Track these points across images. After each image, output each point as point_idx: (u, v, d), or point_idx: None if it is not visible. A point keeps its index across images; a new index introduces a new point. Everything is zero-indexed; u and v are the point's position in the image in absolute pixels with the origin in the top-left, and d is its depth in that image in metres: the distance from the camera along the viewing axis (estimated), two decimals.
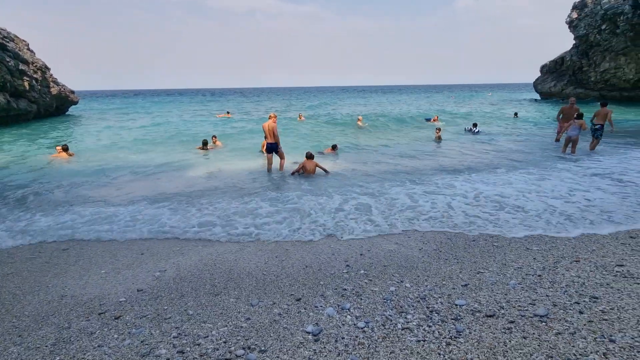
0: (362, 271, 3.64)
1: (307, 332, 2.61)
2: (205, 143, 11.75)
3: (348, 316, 2.84)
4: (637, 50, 23.73)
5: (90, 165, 9.65)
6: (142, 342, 2.58)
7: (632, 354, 2.05)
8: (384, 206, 5.82)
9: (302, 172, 7.93)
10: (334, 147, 11.02)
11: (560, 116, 11.23)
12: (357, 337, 2.54)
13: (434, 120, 18.94)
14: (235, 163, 9.62)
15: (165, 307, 3.06)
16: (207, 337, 2.62)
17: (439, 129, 13.73)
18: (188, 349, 2.47)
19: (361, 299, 3.08)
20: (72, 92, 25.43)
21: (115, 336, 2.67)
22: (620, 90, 26.07)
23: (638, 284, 3.04)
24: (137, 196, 6.73)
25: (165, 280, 3.59)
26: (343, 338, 2.53)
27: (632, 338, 2.21)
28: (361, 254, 4.10)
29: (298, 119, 20.08)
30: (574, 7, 28.66)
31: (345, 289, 3.26)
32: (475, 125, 15.42)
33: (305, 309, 2.96)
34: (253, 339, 2.57)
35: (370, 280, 3.44)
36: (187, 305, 3.10)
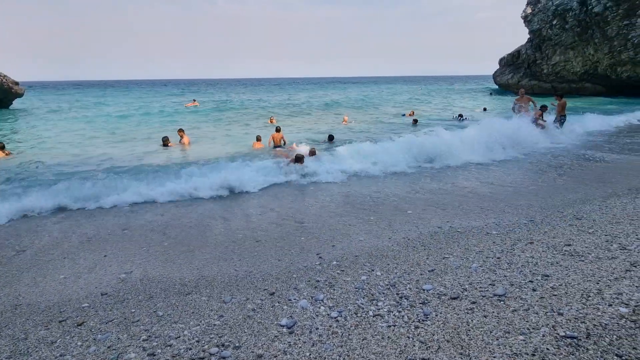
0: (334, 262, 3.72)
1: (281, 326, 2.64)
2: (166, 141, 10.55)
3: (321, 307, 2.90)
4: (584, 44, 25.57)
5: (28, 166, 8.83)
6: (108, 347, 2.48)
7: (577, 324, 2.27)
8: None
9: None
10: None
11: (516, 106, 12.00)
12: (330, 326, 2.61)
13: (409, 114, 19.37)
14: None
15: (133, 310, 2.96)
16: (179, 337, 2.57)
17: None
18: (159, 350, 2.42)
19: (334, 290, 3.15)
20: (16, 83, 23.33)
21: (79, 344, 2.54)
22: (569, 82, 28.07)
23: (583, 261, 3.35)
24: None
25: (131, 282, 3.46)
26: (317, 329, 2.58)
27: (577, 310, 2.45)
28: (333, 245, 4.18)
29: (269, 121, 18.20)
30: (529, 3, 30.27)
31: (318, 281, 3.32)
32: (460, 115, 16.36)
33: (279, 302, 2.98)
34: (227, 335, 2.56)
35: (343, 270, 3.52)
36: (156, 306, 3.01)
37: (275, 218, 5.23)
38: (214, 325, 2.71)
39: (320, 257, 3.83)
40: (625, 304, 2.42)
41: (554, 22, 26.81)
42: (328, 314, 2.77)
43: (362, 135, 12.97)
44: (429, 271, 3.40)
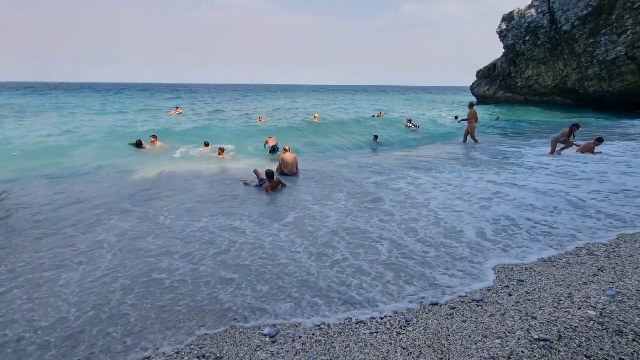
0: (322, 271, 3.72)
1: (264, 335, 2.62)
2: (139, 143, 10.44)
3: (304, 315, 2.89)
4: (554, 60, 26.96)
5: None
6: None
7: (549, 327, 2.37)
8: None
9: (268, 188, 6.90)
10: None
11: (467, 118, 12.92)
12: (313, 334, 2.61)
13: (377, 115, 20.21)
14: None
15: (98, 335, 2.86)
16: (158, 348, 2.51)
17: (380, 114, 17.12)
18: None
19: (316, 298, 3.15)
20: None
21: None
22: (541, 95, 29.46)
23: (554, 266, 3.51)
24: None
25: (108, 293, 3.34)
26: (300, 337, 2.58)
27: (549, 314, 2.56)
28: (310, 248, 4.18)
29: (258, 120, 19.02)
30: (503, 19, 31.70)
31: (299, 290, 3.31)
32: (409, 120, 16.88)
33: (261, 310, 2.96)
34: (208, 346, 2.52)
35: (327, 278, 3.53)
36: (129, 323, 2.92)
37: None
38: (195, 335, 2.65)
39: (302, 263, 3.83)
40: (593, 307, 2.55)
41: (527, 38, 28.18)
42: (312, 322, 2.77)
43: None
44: (413, 277, 3.46)
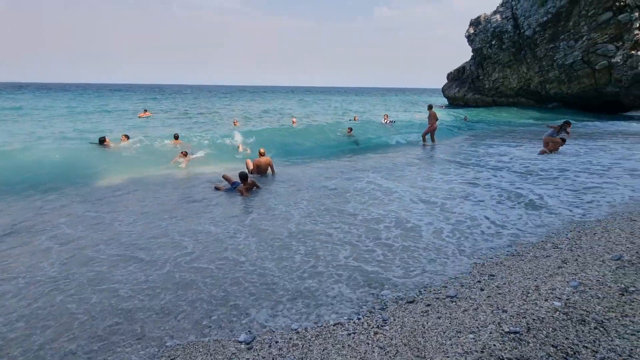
0: (294, 272, 3.67)
1: (239, 342, 2.54)
2: (102, 141, 9.93)
3: (281, 319, 2.84)
4: (518, 63, 28.36)
5: None
6: None
7: (519, 320, 2.46)
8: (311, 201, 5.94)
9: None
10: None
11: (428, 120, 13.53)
12: (291, 339, 2.56)
13: (354, 119, 20.46)
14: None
15: (79, 344, 2.68)
16: None
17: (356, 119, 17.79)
18: None
19: (292, 300, 3.10)
20: None
21: None
22: (507, 96, 30.90)
23: (523, 260, 3.65)
24: None
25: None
26: (277, 342, 2.52)
27: (519, 306, 2.65)
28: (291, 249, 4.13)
29: (234, 124, 18.57)
30: (471, 24, 33.00)
31: (276, 293, 3.25)
32: (385, 116, 17.66)
33: (237, 317, 2.87)
34: (180, 358, 2.41)
35: (302, 280, 3.49)
36: (92, 337, 2.75)
37: None
38: (166, 346, 2.53)
39: (277, 267, 3.78)
40: (559, 298, 2.67)
41: (493, 42, 29.49)
42: (288, 326, 2.73)
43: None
44: (390, 277, 3.49)
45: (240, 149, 14.77)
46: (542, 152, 10.31)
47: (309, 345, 2.46)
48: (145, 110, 23.87)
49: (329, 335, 2.57)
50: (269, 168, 8.27)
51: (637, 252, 3.38)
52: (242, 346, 2.49)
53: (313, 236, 4.53)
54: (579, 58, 22.77)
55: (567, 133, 10.60)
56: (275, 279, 3.50)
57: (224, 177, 7.18)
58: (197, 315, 2.92)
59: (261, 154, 8.32)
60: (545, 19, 24.07)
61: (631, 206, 5.20)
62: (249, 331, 2.67)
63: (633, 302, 2.51)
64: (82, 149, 9.98)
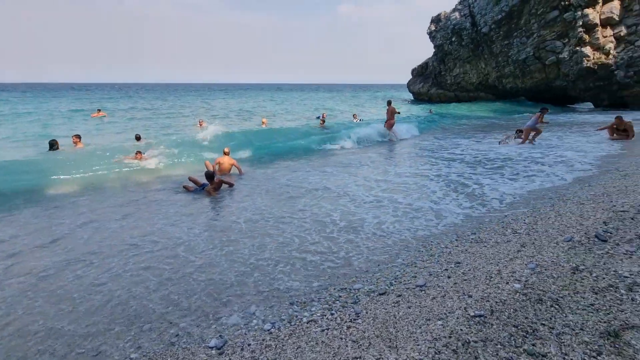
0: (266, 271, 3.62)
1: (210, 348, 2.46)
2: (52, 144, 9.35)
3: (254, 320, 2.79)
4: (477, 59, 29.74)
5: None
6: None
7: (483, 303, 2.58)
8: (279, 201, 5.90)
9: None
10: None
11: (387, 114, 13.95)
12: (264, 340, 2.52)
13: (323, 116, 20.56)
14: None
15: None
16: None
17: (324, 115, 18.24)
18: None
19: (266, 301, 3.06)
20: None
21: None
22: (468, 91, 32.34)
23: (486, 246, 3.83)
24: None
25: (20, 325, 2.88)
26: (249, 345, 2.47)
27: (483, 291, 2.78)
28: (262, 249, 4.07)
29: (199, 125, 17.80)
30: (432, 21, 34.11)
31: (247, 293, 3.19)
32: (354, 115, 18.32)
33: (206, 322, 2.78)
34: None
35: (272, 279, 3.44)
36: (49, 353, 2.55)
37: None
38: (130, 359, 2.40)
39: (249, 265, 3.70)
40: (518, 281, 2.83)
41: (453, 39, 30.69)
42: (261, 327, 2.68)
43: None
44: (362, 271, 3.53)
45: (202, 125, 14.41)
46: (522, 142, 10.81)
47: (283, 345, 2.42)
48: (99, 110, 22.42)
49: (303, 333, 2.55)
50: (233, 168, 8.09)
51: (585, 233, 3.65)
52: (213, 352, 2.41)
53: (278, 234, 4.50)
54: (530, 54, 24.25)
55: (541, 121, 11.05)
56: (245, 279, 3.43)
57: (190, 179, 6.93)
58: (162, 323, 2.79)
59: (225, 154, 8.15)
60: (499, 16, 25.37)
61: (552, 190, 5.62)
62: (220, 336, 2.59)
63: (583, 279, 2.71)
64: (30, 153, 9.25)
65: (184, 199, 6.26)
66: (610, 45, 20.88)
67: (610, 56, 20.89)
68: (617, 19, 20.68)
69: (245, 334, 2.60)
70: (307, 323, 2.69)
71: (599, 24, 20.93)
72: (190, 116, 22.98)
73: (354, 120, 17.51)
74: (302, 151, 11.49)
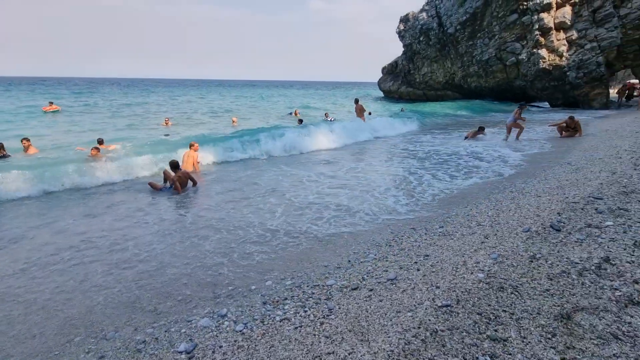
0: (238, 270, 3.56)
1: (179, 352, 2.38)
2: None
3: (225, 322, 2.73)
4: (444, 59, 30.81)
5: None
6: None
7: (450, 294, 2.69)
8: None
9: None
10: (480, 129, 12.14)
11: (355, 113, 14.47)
12: (235, 341, 2.48)
13: (295, 114, 20.51)
14: None
15: None
16: None
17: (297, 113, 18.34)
18: None
19: (238, 301, 3.01)
20: None
21: None
22: (436, 90, 33.45)
23: (452, 239, 3.99)
24: None
25: None
26: (221, 347, 2.42)
27: (450, 281, 2.89)
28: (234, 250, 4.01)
29: (165, 123, 16.89)
30: (401, 20, 34.88)
31: (219, 294, 3.12)
32: (326, 114, 18.55)
33: (175, 326, 2.69)
34: None
35: (245, 279, 3.40)
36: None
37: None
38: None
39: (222, 265, 3.63)
40: (482, 270, 2.97)
41: (421, 39, 31.58)
42: (233, 329, 2.63)
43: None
44: (335, 267, 3.56)
45: (168, 124, 13.75)
46: (506, 138, 11.39)
47: (255, 345, 2.40)
48: (51, 103, 20.84)
49: (276, 332, 2.54)
50: (194, 167, 7.79)
51: (541, 224, 3.89)
52: (183, 356, 2.34)
53: (245, 234, 4.44)
54: (493, 55, 25.45)
55: (520, 118, 11.58)
56: (215, 280, 3.36)
57: (164, 172, 6.65)
58: (127, 330, 2.67)
59: (191, 146, 7.92)
60: (464, 18, 26.39)
61: (484, 183, 5.99)
62: (189, 339, 2.52)
63: (540, 266, 2.90)
64: None
65: (146, 198, 6.01)
66: (563, 48, 22.35)
67: (563, 58, 22.37)
68: (569, 23, 22.16)
69: (217, 336, 2.55)
70: (280, 322, 2.68)
71: (553, 27, 22.33)
72: (156, 113, 22.07)
73: (326, 119, 17.54)
74: (273, 152, 11.41)
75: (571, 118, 11.53)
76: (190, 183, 6.58)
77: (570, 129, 11.48)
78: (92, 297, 3.15)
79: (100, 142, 9.57)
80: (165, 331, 2.63)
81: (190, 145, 7.92)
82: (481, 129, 12.23)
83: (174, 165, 6.32)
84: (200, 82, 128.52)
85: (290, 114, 20.99)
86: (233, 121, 17.10)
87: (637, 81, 23.43)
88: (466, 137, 12.13)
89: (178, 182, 6.21)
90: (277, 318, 2.73)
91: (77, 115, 19.83)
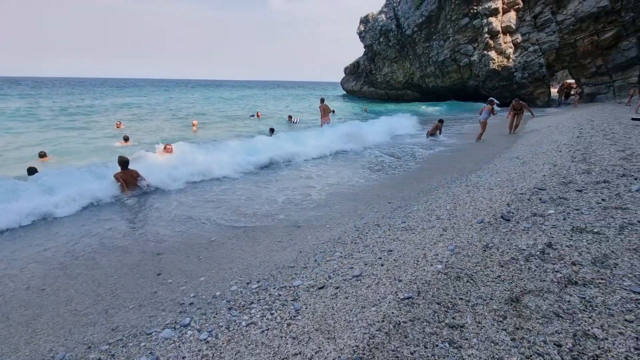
0: (201, 278, 3.45)
1: None
2: None
3: (189, 331, 2.64)
4: (403, 59, 31.93)
5: None
6: None
7: (411, 286, 2.79)
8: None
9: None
10: None
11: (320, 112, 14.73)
12: (199, 350, 2.40)
13: (257, 115, 20.21)
14: None
15: None
16: None
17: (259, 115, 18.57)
18: None
19: (202, 309, 2.92)
20: None
21: None
22: (396, 89, 34.58)
23: (414, 233, 4.15)
24: None
25: None
26: (184, 357, 2.33)
27: (411, 274, 3.01)
28: (199, 257, 3.88)
29: (116, 126, 15.61)
30: (361, 21, 35.64)
31: (182, 303, 3.01)
32: (290, 117, 18.48)
33: (133, 340, 2.56)
34: None
35: (208, 284, 3.30)
36: None
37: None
38: None
39: (159, 275, 3.50)
40: (440, 262, 3.12)
41: (381, 40, 32.50)
42: (197, 338, 2.55)
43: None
44: (302, 268, 3.56)
45: (119, 126, 12.99)
46: (479, 136, 11.89)
47: (221, 353, 2.34)
48: None
49: (242, 337, 2.50)
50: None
51: (493, 215, 4.16)
52: None
53: (209, 239, 4.33)
54: (448, 56, 26.77)
55: (493, 113, 12.17)
56: (176, 290, 3.23)
57: (115, 176, 6.24)
58: (79, 348, 2.49)
59: (166, 148, 7.52)
60: (420, 20, 27.51)
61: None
62: (150, 353, 2.40)
63: (492, 255, 3.10)
64: None
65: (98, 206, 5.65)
66: (510, 50, 24.04)
67: (510, 60, 24.07)
68: (514, 27, 23.88)
69: (179, 346, 2.45)
70: (247, 326, 2.63)
71: (500, 31, 23.94)
72: (105, 115, 20.75)
73: (290, 122, 17.39)
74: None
75: (517, 100, 12.64)
76: (144, 182, 6.21)
77: (517, 110, 12.53)
78: (37, 315, 2.90)
79: (43, 155, 8.78)
80: (123, 346, 2.49)
81: (164, 147, 7.49)
82: (440, 122, 12.86)
83: (123, 163, 5.90)
84: (156, 82, 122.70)
85: (253, 116, 20.53)
86: (193, 125, 16.18)
87: (573, 81, 25.77)
88: (428, 134, 12.72)
89: (123, 180, 5.85)
90: (243, 323, 2.68)
91: (17, 123, 18.13)
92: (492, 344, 2.01)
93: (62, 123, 17.19)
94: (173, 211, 5.50)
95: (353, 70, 40.79)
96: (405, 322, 2.31)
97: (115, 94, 44.95)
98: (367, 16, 34.80)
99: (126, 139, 11.49)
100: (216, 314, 2.83)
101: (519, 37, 23.86)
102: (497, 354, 1.93)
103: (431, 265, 3.09)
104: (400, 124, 15.02)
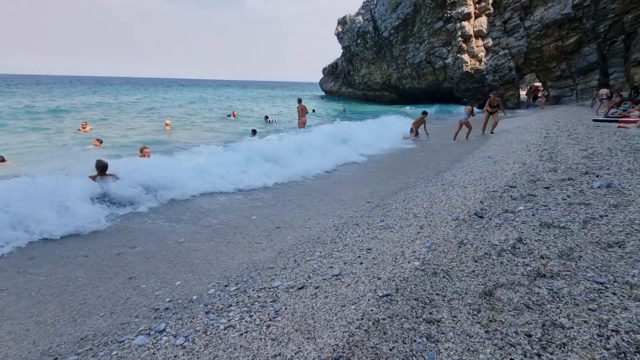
0: (177, 282, 3.35)
1: None
2: None
3: (164, 337, 2.55)
4: (380, 61, 32.43)
5: None
6: None
7: (390, 283, 2.83)
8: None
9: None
10: None
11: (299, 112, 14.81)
12: (176, 356, 2.33)
13: (233, 115, 20.01)
14: None
15: None
16: None
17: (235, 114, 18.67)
18: None
19: (178, 314, 2.83)
20: None
21: None
22: (374, 90, 35.07)
23: (392, 231, 4.21)
24: None
25: None
26: None
27: (390, 272, 3.05)
28: (171, 260, 3.76)
29: (81, 127, 14.75)
30: (339, 23, 35.90)
31: (157, 309, 2.91)
32: (266, 117, 18.48)
33: (104, 349, 2.44)
34: None
35: (183, 291, 3.22)
36: None
37: None
38: None
39: (130, 278, 3.38)
40: (418, 259, 3.18)
41: (358, 41, 32.86)
42: (173, 343, 2.47)
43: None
44: (282, 268, 3.53)
45: (86, 128, 12.54)
46: (464, 135, 12.20)
47: (198, 358, 2.28)
48: None
49: (220, 341, 2.44)
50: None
51: (468, 212, 4.30)
52: None
53: (190, 244, 4.22)
54: (423, 58, 27.43)
55: (473, 114, 12.61)
56: (150, 295, 3.12)
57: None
58: (51, 357, 2.36)
59: (141, 150, 7.15)
60: (397, 23, 28.04)
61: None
62: None
63: (467, 251, 3.19)
64: None
65: None
66: (482, 54, 24.95)
67: (482, 63, 24.98)
68: (485, 31, 24.80)
69: (154, 353, 2.37)
70: (225, 330, 2.58)
71: (473, 35, 24.80)
72: (71, 116, 19.80)
73: (268, 121, 17.25)
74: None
75: (494, 95, 13.11)
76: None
77: (493, 108, 12.90)
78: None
79: (1, 159, 8.19)
80: (93, 356, 2.37)
81: (141, 150, 7.07)
82: (424, 114, 13.22)
83: (101, 167, 5.60)
84: (128, 80, 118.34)
85: (229, 115, 20.25)
86: (167, 125, 15.56)
87: (540, 84, 27.07)
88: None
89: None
90: (221, 326, 2.62)
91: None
92: (467, 337, 2.07)
93: (25, 123, 16.23)
94: (146, 213, 5.32)
95: (331, 71, 41.01)
96: (384, 319, 2.33)
97: (85, 92, 42.96)
98: (344, 17, 35.09)
99: (100, 141, 10.92)
100: (193, 318, 2.76)
101: (490, 41, 24.80)
102: (472, 347, 1.99)
103: (409, 262, 3.14)
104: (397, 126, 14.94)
